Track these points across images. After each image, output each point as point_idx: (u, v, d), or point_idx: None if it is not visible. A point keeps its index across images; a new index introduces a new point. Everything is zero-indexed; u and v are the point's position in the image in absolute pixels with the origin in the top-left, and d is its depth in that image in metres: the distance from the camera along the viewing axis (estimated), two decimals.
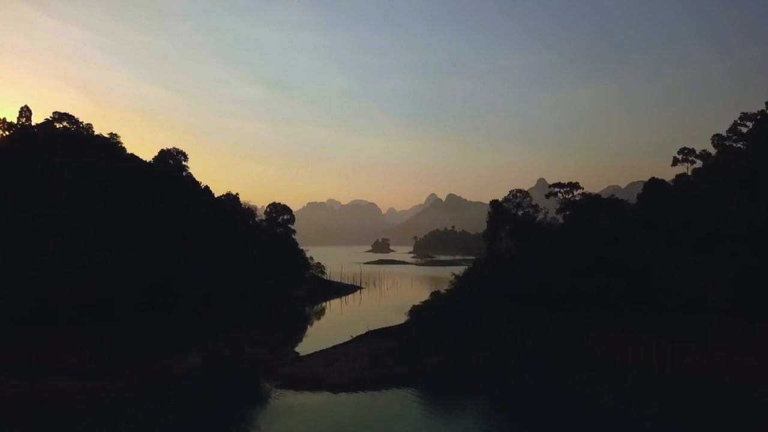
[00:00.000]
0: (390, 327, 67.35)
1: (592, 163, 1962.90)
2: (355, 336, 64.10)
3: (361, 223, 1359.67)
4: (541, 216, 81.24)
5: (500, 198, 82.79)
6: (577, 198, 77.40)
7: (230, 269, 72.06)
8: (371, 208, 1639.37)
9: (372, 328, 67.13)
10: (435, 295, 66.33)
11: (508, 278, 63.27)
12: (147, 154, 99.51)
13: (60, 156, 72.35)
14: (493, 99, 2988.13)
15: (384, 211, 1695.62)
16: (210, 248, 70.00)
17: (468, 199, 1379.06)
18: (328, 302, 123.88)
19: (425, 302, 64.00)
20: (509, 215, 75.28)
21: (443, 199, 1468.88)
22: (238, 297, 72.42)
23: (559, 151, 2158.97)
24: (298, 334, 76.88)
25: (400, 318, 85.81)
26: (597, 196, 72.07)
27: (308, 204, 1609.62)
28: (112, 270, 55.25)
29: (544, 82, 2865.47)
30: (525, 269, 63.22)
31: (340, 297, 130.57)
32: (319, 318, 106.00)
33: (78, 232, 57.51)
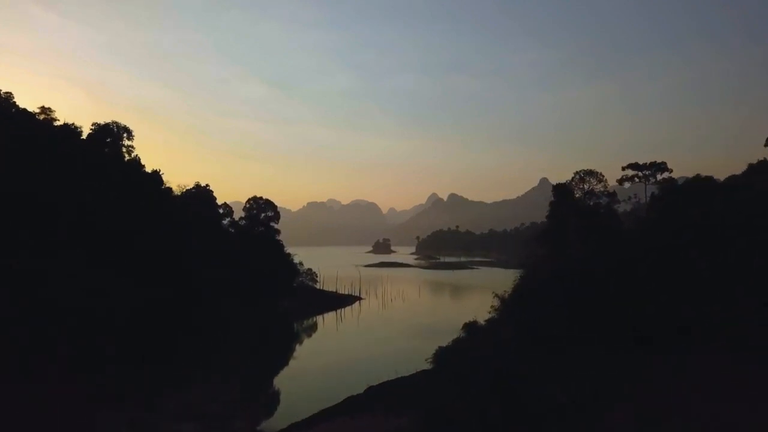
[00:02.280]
0: (402, 378, 44.19)
1: (593, 162, 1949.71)
2: (347, 397, 40.96)
3: (362, 223, 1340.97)
4: (628, 207, 58.08)
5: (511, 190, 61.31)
6: (662, 182, 54.88)
7: (160, 285, 49.09)
8: (372, 207, 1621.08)
9: (373, 381, 43.84)
10: (470, 329, 43.25)
11: (587, 299, 40.14)
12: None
13: None
14: (493, 98, 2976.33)
15: (384, 210, 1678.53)
16: (133, 254, 47.02)
17: (470, 199, 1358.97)
18: (320, 316, 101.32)
19: (458, 342, 41.01)
20: (581, 206, 51.81)
21: (444, 199, 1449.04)
22: (175, 329, 49.03)
23: (560, 151, 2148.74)
24: (269, 377, 53.51)
25: (412, 345, 63.22)
26: (709, 178, 49.38)
27: (308, 204, 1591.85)
28: None
29: (545, 81, 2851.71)
30: (614, 285, 40.08)
31: (335, 310, 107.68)
32: (309, 335, 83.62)
33: None
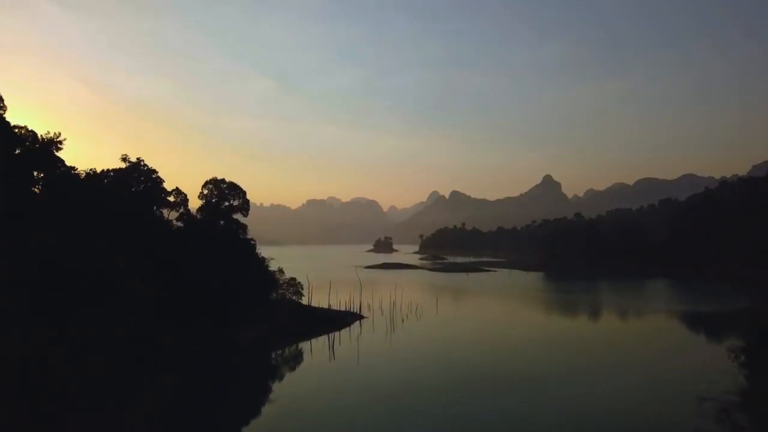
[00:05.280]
0: None
1: (597, 161, 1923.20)
2: None
3: (362, 221, 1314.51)
4: None
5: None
6: None
7: None
8: (372, 205, 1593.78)
9: None
10: None
11: None
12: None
13: None
14: (496, 96, 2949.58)
15: (385, 208, 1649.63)
16: None
17: (472, 197, 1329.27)
18: (306, 344, 72.43)
19: None
20: None
21: (446, 196, 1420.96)
22: None
23: (563, 149, 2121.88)
24: None
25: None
26: None
27: (308, 201, 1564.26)
28: None
29: (548, 80, 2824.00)
30: None
31: (327, 334, 78.18)
32: (276, 391, 54.62)
33: None
